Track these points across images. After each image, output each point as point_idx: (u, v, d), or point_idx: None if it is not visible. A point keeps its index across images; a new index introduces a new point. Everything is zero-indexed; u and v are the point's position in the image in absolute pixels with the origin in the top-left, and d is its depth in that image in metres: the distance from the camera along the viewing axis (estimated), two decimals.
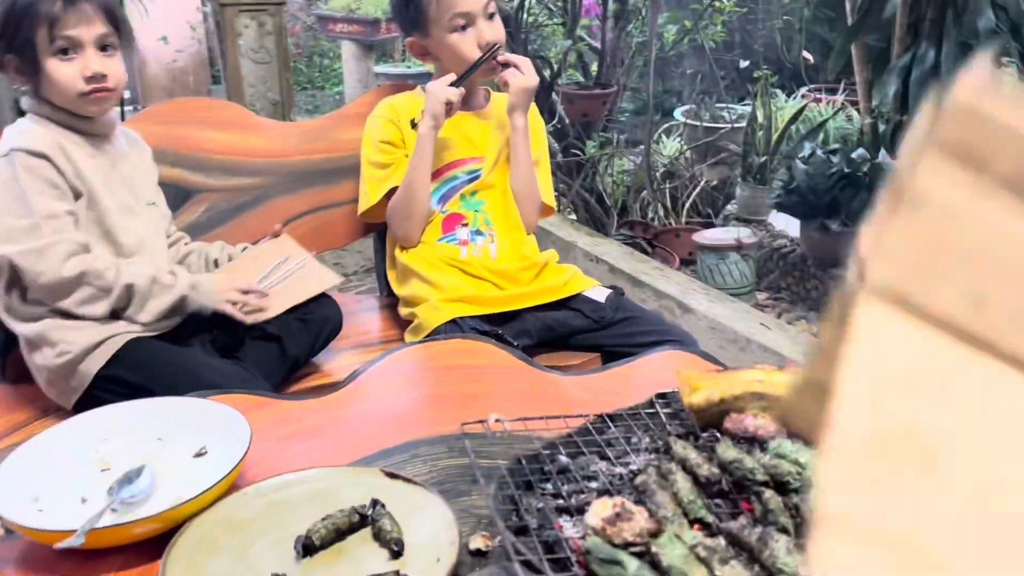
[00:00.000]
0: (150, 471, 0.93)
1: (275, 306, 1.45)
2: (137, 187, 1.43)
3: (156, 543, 0.81)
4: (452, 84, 1.56)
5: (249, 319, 1.39)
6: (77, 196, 1.31)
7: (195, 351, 1.37)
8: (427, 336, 1.52)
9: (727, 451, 0.73)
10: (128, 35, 1.35)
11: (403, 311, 1.65)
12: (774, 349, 2.09)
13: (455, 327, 1.50)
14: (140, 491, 0.91)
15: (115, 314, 1.31)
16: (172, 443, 0.98)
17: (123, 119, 1.74)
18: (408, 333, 1.60)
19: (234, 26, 3.25)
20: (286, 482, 0.89)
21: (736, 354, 2.20)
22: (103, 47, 1.30)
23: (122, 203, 1.38)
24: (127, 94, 5.84)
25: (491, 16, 1.60)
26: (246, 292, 1.40)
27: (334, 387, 1.17)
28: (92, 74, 1.28)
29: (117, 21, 1.32)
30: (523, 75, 1.59)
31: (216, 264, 1.55)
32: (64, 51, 1.27)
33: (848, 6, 4.17)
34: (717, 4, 3.22)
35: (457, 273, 1.62)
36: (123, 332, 1.30)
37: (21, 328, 1.31)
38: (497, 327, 1.53)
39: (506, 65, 1.61)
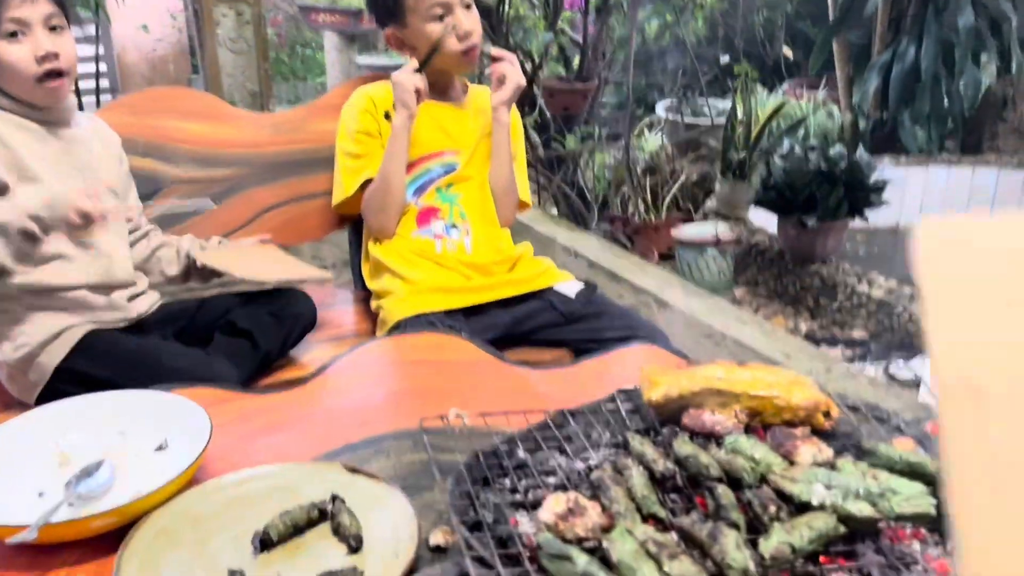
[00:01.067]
0: (109, 465, 0.92)
1: (269, 273, 1.48)
2: (95, 175, 1.39)
3: (114, 537, 0.81)
4: (416, 70, 1.55)
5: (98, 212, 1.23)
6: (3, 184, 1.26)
7: (157, 340, 1.35)
8: (390, 329, 1.51)
9: (683, 446, 0.73)
10: (72, 14, 1.33)
11: (373, 304, 1.64)
12: (749, 345, 2.10)
13: (418, 321, 1.49)
14: (98, 485, 0.90)
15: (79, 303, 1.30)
16: (133, 437, 0.98)
17: (99, 106, 1.72)
18: (378, 327, 1.59)
19: (212, 15, 3.22)
20: (246, 477, 0.89)
21: (712, 349, 2.21)
22: (51, 28, 1.28)
23: (76, 189, 1.34)
24: (105, 83, 5.79)
25: (468, 5, 1.60)
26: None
27: (302, 381, 1.16)
28: (44, 53, 1.26)
29: (62, 1, 1.30)
30: (516, 71, 1.60)
31: (188, 257, 1.54)
32: (13, 34, 1.25)
33: (830, 2, 4.19)
34: None
35: (431, 266, 1.62)
36: (82, 323, 1.28)
37: None
38: (464, 320, 1.53)
39: (496, 59, 1.61)
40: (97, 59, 3.10)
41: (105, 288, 1.35)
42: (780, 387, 0.78)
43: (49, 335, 1.25)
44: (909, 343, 2.53)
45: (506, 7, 3.13)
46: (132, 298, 1.39)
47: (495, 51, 1.62)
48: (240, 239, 1.68)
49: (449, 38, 1.57)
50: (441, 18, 1.57)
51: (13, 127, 1.30)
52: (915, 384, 2.32)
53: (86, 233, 1.30)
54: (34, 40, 1.26)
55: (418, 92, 1.54)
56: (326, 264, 3.35)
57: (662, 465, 0.71)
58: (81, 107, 1.61)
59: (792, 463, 0.72)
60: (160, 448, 0.96)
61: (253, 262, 1.55)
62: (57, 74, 1.28)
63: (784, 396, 0.77)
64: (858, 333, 2.67)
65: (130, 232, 1.48)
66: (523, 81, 1.63)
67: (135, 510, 0.82)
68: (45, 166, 1.31)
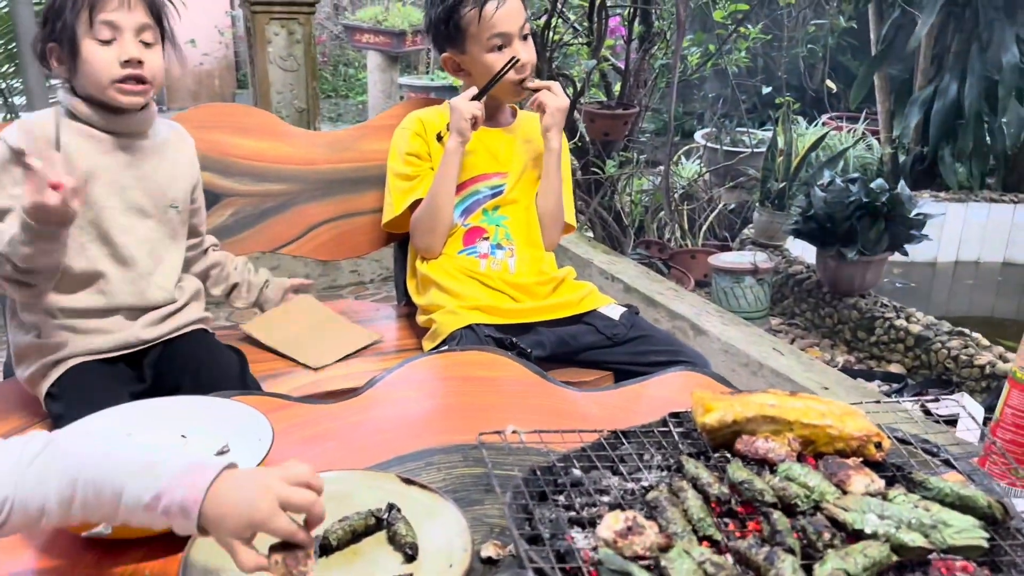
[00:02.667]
0: None
1: (329, 355, 1.58)
2: (158, 188, 1.40)
3: (177, 537, 0.84)
4: (474, 98, 1.59)
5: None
6: None
7: (117, 389, 1.29)
8: (443, 341, 1.54)
9: (738, 472, 0.75)
10: (170, 31, 1.35)
11: (420, 319, 1.68)
12: (786, 375, 2.10)
13: (471, 333, 1.52)
14: None
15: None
16: (195, 440, 1.01)
17: None
18: (426, 339, 1.62)
19: (264, 33, 3.31)
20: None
21: (748, 378, 2.21)
22: (143, 41, 1.29)
23: (131, 204, 1.36)
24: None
25: (525, 37, 1.64)
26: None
27: (352, 392, 1.20)
28: (128, 58, 1.27)
29: (160, 14, 1.32)
30: (556, 96, 1.63)
31: (234, 288, 1.57)
32: (106, 41, 1.27)
33: (872, 36, 4.20)
34: (742, 30, 3.25)
35: (476, 284, 1.65)
36: (80, 353, 1.30)
37: (14, 338, 1.34)
38: (512, 337, 1.55)
39: (536, 91, 1.65)
40: None
41: (139, 310, 1.37)
42: (833, 416, 0.80)
43: (52, 360, 1.29)
44: (947, 379, 2.51)
45: (551, 33, 3.18)
46: (167, 317, 1.40)
47: (531, 84, 1.64)
48: (283, 296, 1.68)
49: (509, 72, 1.61)
50: (500, 48, 1.61)
51: (81, 137, 1.31)
52: (952, 421, 2.29)
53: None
54: (122, 45, 1.27)
55: (475, 120, 1.58)
56: (364, 279, 3.41)
57: (717, 489, 0.72)
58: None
59: (845, 492, 0.74)
60: (221, 452, 1.00)
61: (302, 338, 1.62)
62: (136, 80, 1.29)
63: (837, 425, 0.79)
64: (895, 367, 2.65)
65: (190, 249, 1.50)
66: (564, 103, 1.65)
67: None
68: (101, 179, 1.32)
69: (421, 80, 6.01)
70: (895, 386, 2.50)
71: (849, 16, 4.34)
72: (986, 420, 2.42)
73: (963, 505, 0.72)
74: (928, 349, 2.57)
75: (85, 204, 1.27)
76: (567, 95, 3.19)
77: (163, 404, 1.05)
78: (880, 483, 0.75)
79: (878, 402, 0.89)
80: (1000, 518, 0.72)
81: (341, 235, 1.83)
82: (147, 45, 1.30)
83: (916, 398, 2.46)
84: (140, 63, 1.28)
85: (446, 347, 1.54)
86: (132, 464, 0.75)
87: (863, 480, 0.74)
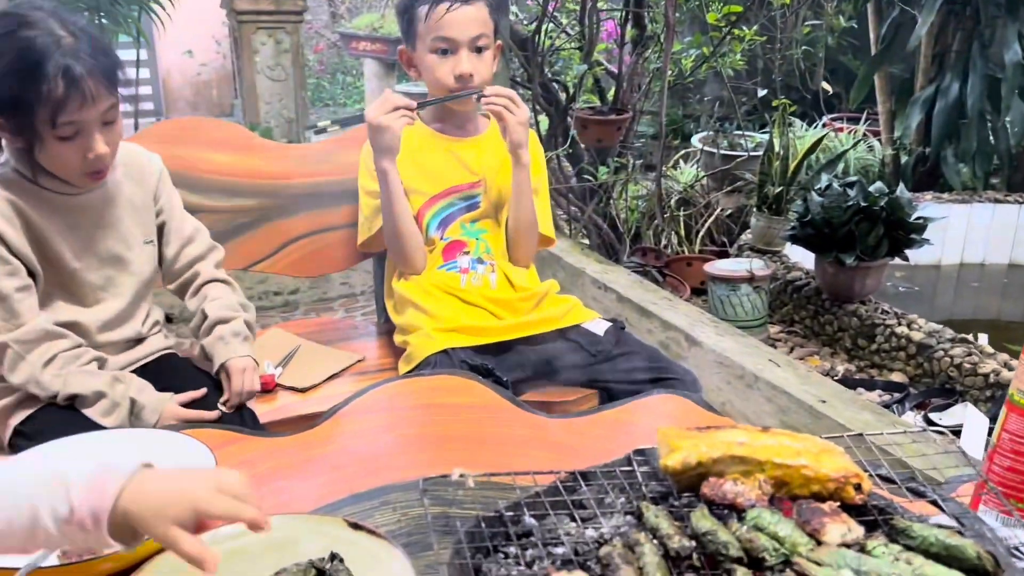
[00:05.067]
0: None
1: (315, 376, 1.57)
2: (129, 230, 1.35)
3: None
4: (420, 105, 1.50)
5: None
6: (32, 268, 1.24)
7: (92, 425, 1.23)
8: (417, 365, 1.49)
9: (701, 520, 0.68)
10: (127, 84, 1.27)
11: (398, 339, 1.62)
12: (782, 387, 2.03)
13: (446, 357, 1.46)
14: None
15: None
16: None
17: (136, 129, 1.71)
18: (401, 362, 1.57)
19: (251, 43, 3.27)
20: (245, 529, 0.85)
21: (744, 391, 2.14)
22: (105, 120, 1.20)
23: (104, 258, 1.31)
24: (150, 105, 5.90)
25: (479, 50, 1.56)
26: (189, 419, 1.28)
27: (315, 417, 1.14)
28: (95, 155, 1.19)
29: (117, 84, 1.21)
30: (517, 109, 1.51)
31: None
32: (66, 136, 1.17)
33: (872, 36, 4.12)
34: (736, 32, 3.18)
35: (454, 302, 1.59)
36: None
37: None
38: (492, 358, 1.49)
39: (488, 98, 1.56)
40: (137, 83, 3.15)
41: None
42: (808, 455, 0.73)
43: (16, 400, 1.24)
44: (951, 388, 2.43)
45: (542, 37, 3.12)
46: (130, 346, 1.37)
47: (486, 106, 1.52)
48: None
49: (447, 79, 1.55)
50: (444, 52, 1.55)
51: (33, 200, 1.25)
52: (956, 431, 2.22)
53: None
54: (87, 140, 1.18)
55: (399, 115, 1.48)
56: (355, 291, 3.36)
57: (677, 542, 0.66)
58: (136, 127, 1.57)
59: (819, 542, 0.67)
60: None
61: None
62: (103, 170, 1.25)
63: (813, 465, 0.72)
64: (897, 376, 2.57)
65: (186, 284, 1.45)
66: (525, 115, 1.53)
67: (129, 557, 0.79)
68: (66, 243, 1.28)
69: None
70: (896, 396, 2.43)
71: (849, 16, 4.26)
72: (991, 430, 2.35)
73: (950, 556, 0.66)
74: (931, 357, 2.49)
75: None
76: (559, 100, 3.13)
77: (103, 438, 0.99)
78: (859, 531, 0.68)
79: (881, 434, 0.82)
80: (990, 570, 0.65)
81: (316, 251, 1.78)
82: (109, 123, 1.21)
83: (918, 409, 2.39)
84: (105, 156, 1.21)
85: (421, 372, 1.48)
86: (41, 477, 0.70)
87: (839, 528, 0.67)
